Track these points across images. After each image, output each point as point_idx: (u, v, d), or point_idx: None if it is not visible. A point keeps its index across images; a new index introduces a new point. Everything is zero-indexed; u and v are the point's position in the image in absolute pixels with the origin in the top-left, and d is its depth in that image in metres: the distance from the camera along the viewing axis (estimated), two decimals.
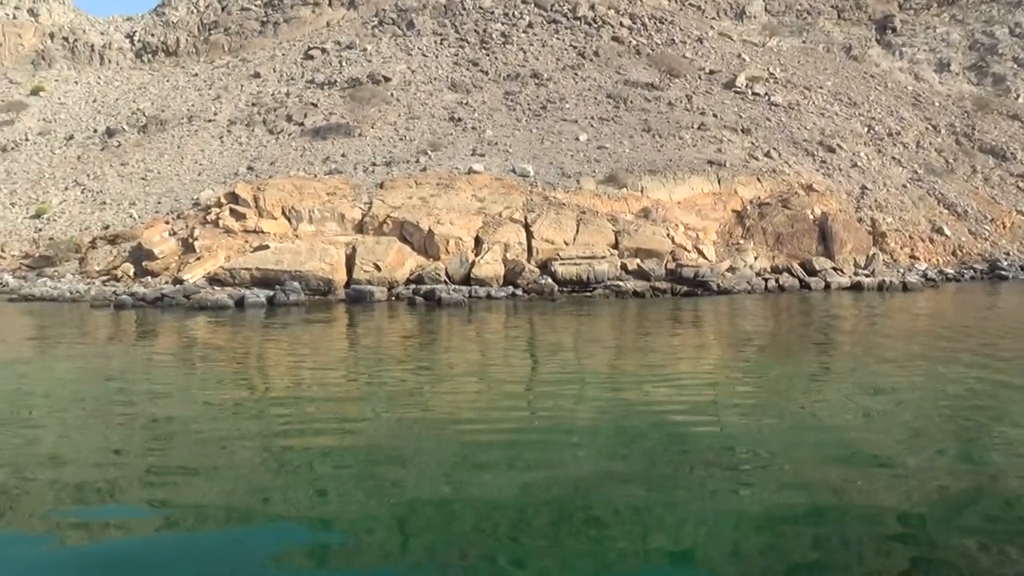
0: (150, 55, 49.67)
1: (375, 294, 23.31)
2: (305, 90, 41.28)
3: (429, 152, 32.46)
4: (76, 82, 47.39)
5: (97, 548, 5.96)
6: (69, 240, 30.36)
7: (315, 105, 39.17)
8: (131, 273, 26.04)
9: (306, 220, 26.57)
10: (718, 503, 6.49)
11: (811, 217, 29.13)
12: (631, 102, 37.70)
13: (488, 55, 42.81)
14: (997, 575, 5.34)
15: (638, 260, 26.11)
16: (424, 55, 43.38)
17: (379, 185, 28.67)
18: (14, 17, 50.07)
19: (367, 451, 8.04)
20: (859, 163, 36.96)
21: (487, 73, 41.00)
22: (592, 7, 46.65)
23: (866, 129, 40.71)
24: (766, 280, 26.63)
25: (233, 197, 27.29)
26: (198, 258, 25.16)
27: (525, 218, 26.75)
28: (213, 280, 24.29)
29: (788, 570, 5.40)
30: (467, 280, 24.74)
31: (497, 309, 22.10)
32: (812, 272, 27.24)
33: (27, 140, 41.07)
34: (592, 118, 36.06)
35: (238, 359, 14.72)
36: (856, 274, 27.72)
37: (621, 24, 46.04)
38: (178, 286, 23.66)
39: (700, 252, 26.99)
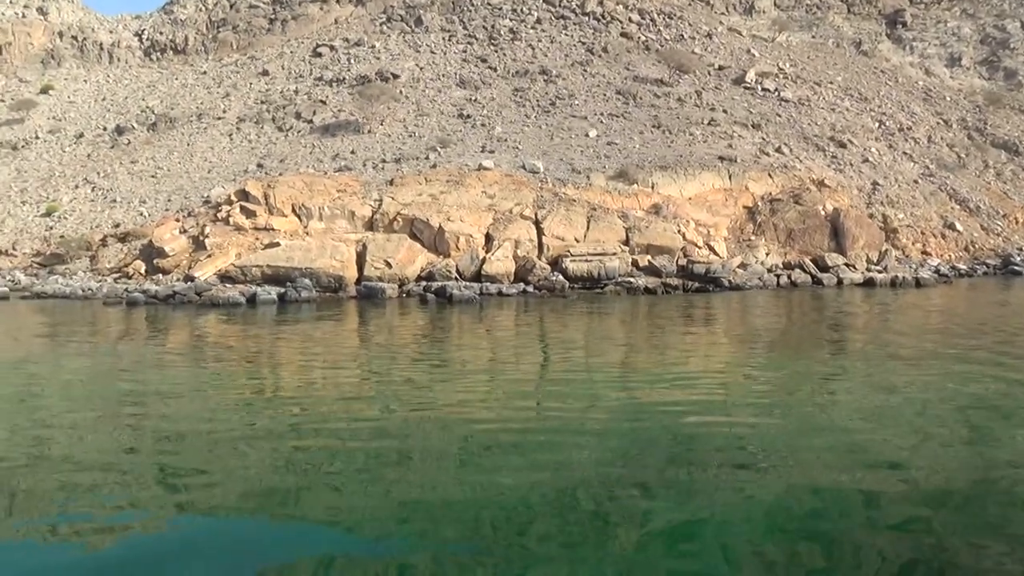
0: (159, 53, 49.73)
1: (386, 291, 23.29)
2: (314, 87, 41.28)
3: (438, 149, 32.42)
4: (85, 80, 47.50)
5: (108, 547, 5.95)
6: (80, 238, 30.45)
7: (324, 102, 39.17)
8: (142, 270, 26.11)
9: (316, 217, 26.57)
10: (727, 503, 6.42)
11: (823, 213, 28.97)
12: (640, 98, 37.57)
13: (497, 51, 42.72)
14: (1003, 574, 5.28)
15: (649, 257, 26.03)
16: (432, 52, 43.32)
17: (389, 182, 28.65)
18: (23, 16, 50.21)
19: (377, 450, 7.97)
20: (870, 158, 36.76)
21: (496, 70, 40.91)
22: (600, 3, 46.50)
23: (877, 124, 40.50)
24: (778, 276, 26.50)
25: (243, 194, 27.32)
26: (209, 255, 25.18)
27: (535, 215, 26.69)
28: (224, 277, 24.32)
29: (795, 571, 5.35)
30: (478, 277, 24.70)
31: (508, 306, 22.05)
32: (824, 268, 27.10)
33: (37, 138, 41.19)
34: (602, 114, 35.95)
35: (250, 357, 14.72)
36: (868, 270, 27.56)
37: (630, 20, 45.88)
38: (189, 283, 23.69)
39: (711, 248, 26.88)
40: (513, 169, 29.93)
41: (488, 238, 25.93)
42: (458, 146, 33.04)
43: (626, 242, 26.41)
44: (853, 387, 11.09)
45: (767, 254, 27.91)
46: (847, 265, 27.52)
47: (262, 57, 46.63)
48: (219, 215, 27.09)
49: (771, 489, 6.74)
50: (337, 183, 28.17)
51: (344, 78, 41.37)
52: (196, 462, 7.72)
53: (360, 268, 24.68)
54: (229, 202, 27.44)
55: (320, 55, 44.92)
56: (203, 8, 51.71)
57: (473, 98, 37.96)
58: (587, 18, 45.57)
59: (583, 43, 43.54)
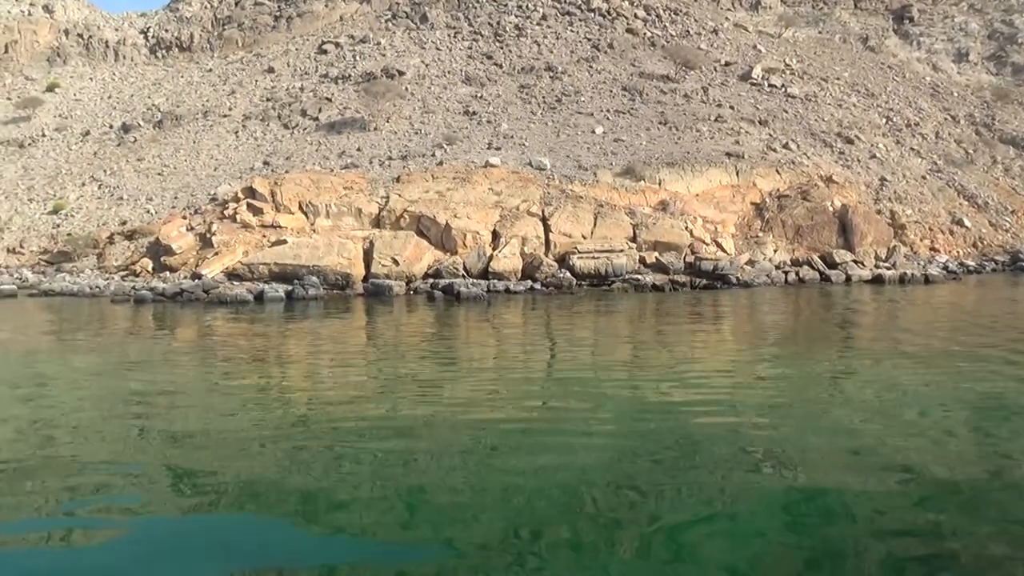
0: (164, 51, 49.73)
1: (393, 288, 23.28)
2: (319, 85, 41.25)
3: (445, 146, 32.37)
4: (91, 78, 47.53)
5: (111, 546, 5.95)
6: (87, 236, 30.49)
7: (329, 100, 39.14)
8: (149, 268, 26.13)
9: (323, 214, 26.55)
10: (735, 503, 6.37)
11: (831, 209, 28.86)
12: (647, 94, 37.46)
13: (502, 48, 42.63)
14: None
15: (656, 253, 25.97)
16: (438, 49, 43.25)
17: (395, 179, 28.62)
18: (29, 14, 50.26)
19: (384, 450, 7.90)
20: (878, 154, 36.61)
21: (501, 66, 40.83)
22: None
23: (884, 120, 40.32)
24: (786, 273, 26.41)
25: (250, 192, 27.31)
26: (216, 253, 25.19)
27: (542, 211, 26.64)
28: (231, 275, 24.32)
29: (802, 570, 5.31)
30: (485, 274, 24.67)
31: (515, 303, 22.02)
32: (832, 265, 27.00)
33: (44, 136, 41.24)
34: (608, 111, 35.86)
35: (258, 354, 14.71)
36: (877, 267, 27.44)
37: (635, 16, 45.73)
38: (197, 281, 23.71)
39: (719, 245, 26.79)
40: (520, 166, 29.88)
41: (495, 235, 25.89)
42: (464, 143, 32.99)
43: (633, 239, 26.35)
44: (862, 386, 10.97)
45: (775, 251, 27.81)
46: (855, 262, 27.41)
47: (267, 54, 46.60)
48: (226, 213, 27.09)
49: (779, 489, 6.69)
50: (344, 180, 28.15)
51: (350, 75, 41.33)
52: (202, 462, 7.66)
53: (367, 265, 24.67)
54: (236, 199, 27.44)
55: (325, 52, 44.88)
56: (208, 6, 51.69)
57: (479, 95, 37.90)
58: (592, 14, 45.43)
59: (589, 39, 43.43)
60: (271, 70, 44.20)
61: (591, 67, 40.43)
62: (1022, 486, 6.77)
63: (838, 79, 43.11)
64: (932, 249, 32.11)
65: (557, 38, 43.52)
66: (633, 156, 31.05)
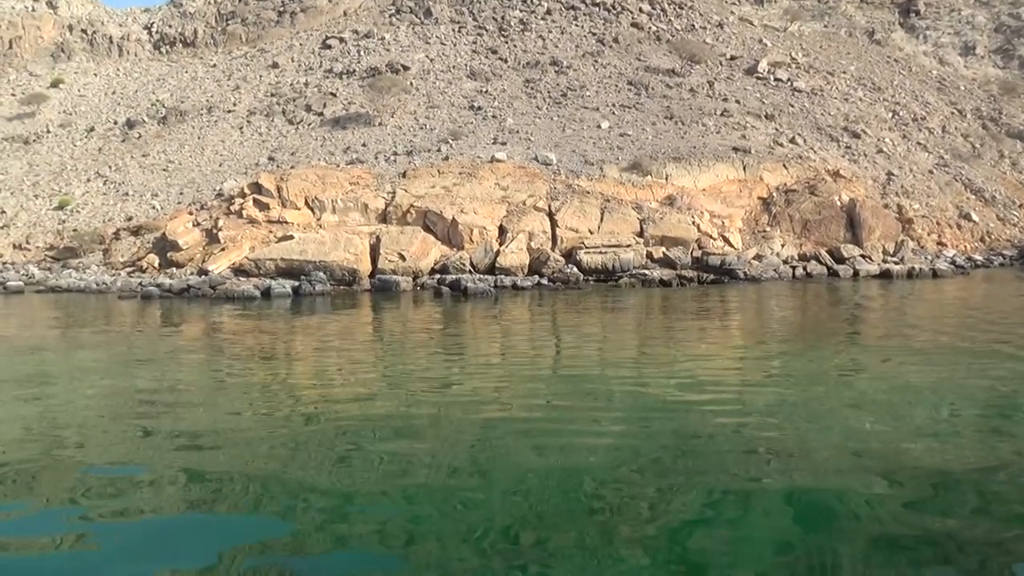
0: (168, 46, 49.67)
1: (400, 284, 23.24)
2: (324, 80, 41.18)
3: (450, 141, 32.30)
4: (95, 74, 47.49)
5: (120, 531, 5.99)
6: (93, 231, 30.48)
7: (334, 95, 39.07)
8: (156, 264, 26.11)
9: (329, 210, 26.50)
10: (737, 502, 6.31)
11: (838, 204, 28.75)
12: (652, 89, 37.33)
13: (507, 43, 42.51)
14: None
15: (663, 248, 25.90)
16: (442, 43, 43.14)
17: (402, 174, 28.56)
18: (33, 10, 50.21)
19: (390, 450, 7.80)
20: (884, 148, 36.46)
21: (506, 61, 40.72)
22: None
23: (891, 114, 40.15)
24: (793, 268, 26.33)
25: (256, 187, 27.27)
26: (223, 249, 25.16)
27: (549, 206, 26.57)
28: (238, 271, 24.29)
29: (806, 569, 5.27)
30: (492, 270, 24.62)
31: (522, 299, 21.97)
32: (840, 260, 26.90)
33: (48, 132, 41.23)
34: (613, 105, 35.75)
35: (266, 351, 14.69)
36: (885, 261, 27.34)
37: (640, 10, 45.56)
38: (203, 277, 23.68)
39: (726, 240, 26.71)
40: (526, 161, 29.80)
41: (502, 230, 25.83)
42: (469, 138, 32.91)
43: (640, 234, 26.28)
44: (870, 384, 10.77)
45: (782, 245, 27.72)
46: (863, 256, 27.30)
47: (271, 50, 46.52)
48: (232, 208, 27.06)
49: (785, 489, 6.59)
50: (350, 176, 28.09)
51: (354, 70, 41.24)
52: (209, 460, 7.57)
53: (374, 261, 24.62)
54: (242, 195, 27.40)
55: (329, 47, 44.79)
56: (212, 1, 51.61)
57: (484, 90, 37.80)
58: (597, 8, 45.27)
59: (594, 34, 43.29)
60: (275, 65, 44.13)
61: (596, 61, 40.30)
62: None
63: (844, 73, 42.94)
64: (939, 244, 32.00)
65: (562, 32, 43.38)
66: (639, 151, 30.96)
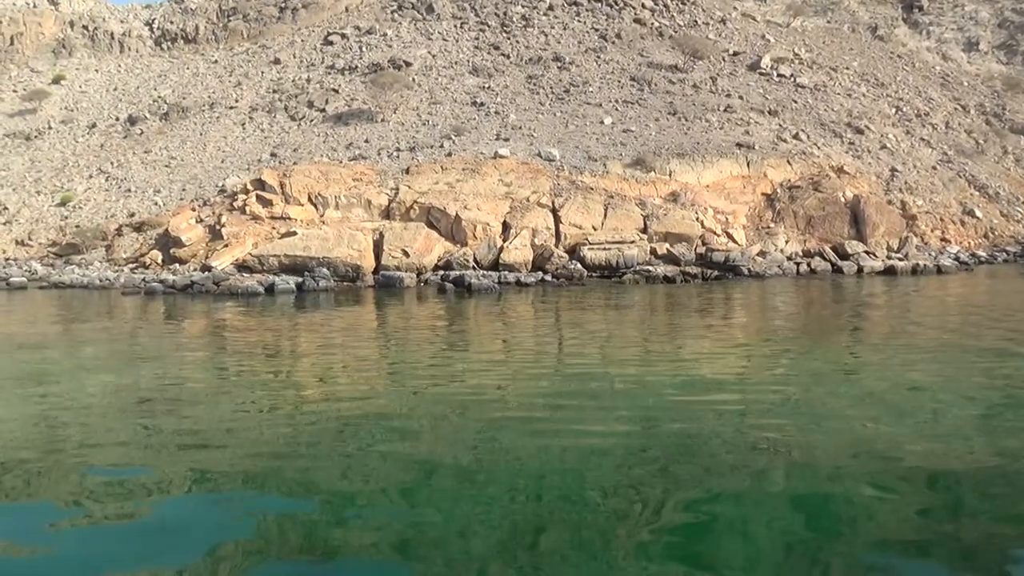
0: (169, 43, 49.56)
1: (404, 280, 23.19)
2: (326, 76, 41.08)
3: (453, 137, 32.23)
4: (97, 70, 47.41)
5: (120, 529, 6.01)
6: (95, 228, 30.44)
7: (336, 91, 38.98)
8: (159, 260, 26.07)
9: (332, 206, 26.46)
10: (737, 503, 6.28)
11: (843, 200, 28.68)
12: (655, 85, 37.24)
13: (509, 39, 42.39)
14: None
15: (667, 245, 25.84)
16: (444, 39, 43.02)
17: (405, 170, 28.50)
18: (34, 6, 50.10)
19: (393, 453, 7.71)
20: (888, 144, 36.39)
21: (509, 57, 40.60)
22: None
23: (894, 110, 40.08)
24: (797, 264, 26.28)
25: (259, 183, 27.23)
26: (226, 245, 25.13)
27: (552, 203, 26.52)
28: (241, 267, 24.26)
29: (809, 566, 5.26)
30: (495, 266, 24.57)
31: (526, 295, 21.93)
32: (844, 256, 26.84)
33: (50, 128, 41.17)
34: (616, 101, 35.65)
35: (269, 346, 14.66)
36: (889, 258, 27.28)
37: (643, 6, 45.42)
38: (207, 273, 23.65)
39: (730, 236, 26.66)
40: (529, 157, 29.73)
41: (505, 226, 25.78)
42: (472, 134, 32.82)
43: (644, 230, 26.22)
44: (875, 383, 10.55)
45: (786, 242, 27.65)
46: (867, 252, 27.24)
47: (273, 46, 46.41)
48: (235, 204, 27.01)
49: (787, 489, 6.55)
50: (353, 172, 28.03)
51: (356, 66, 41.14)
52: (209, 460, 7.53)
53: (377, 257, 24.58)
54: (245, 191, 27.36)
55: (331, 43, 44.68)
56: None
57: (486, 86, 37.70)
58: (600, 4, 45.13)
59: (596, 29, 43.16)
60: (277, 61, 44.03)
61: (599, 57, 40.20)
62: None
63: (847, 69, 42.84)
64: (943, 240, 31.94)
65: (564, 28, 43.26)
66: (643, 147, 30.89)
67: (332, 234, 24.76)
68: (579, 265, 24.71)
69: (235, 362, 13.00)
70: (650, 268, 24.63)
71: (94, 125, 41.13)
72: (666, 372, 11.56)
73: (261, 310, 19.60)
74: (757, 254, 26.44)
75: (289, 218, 25.93)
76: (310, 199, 26.61)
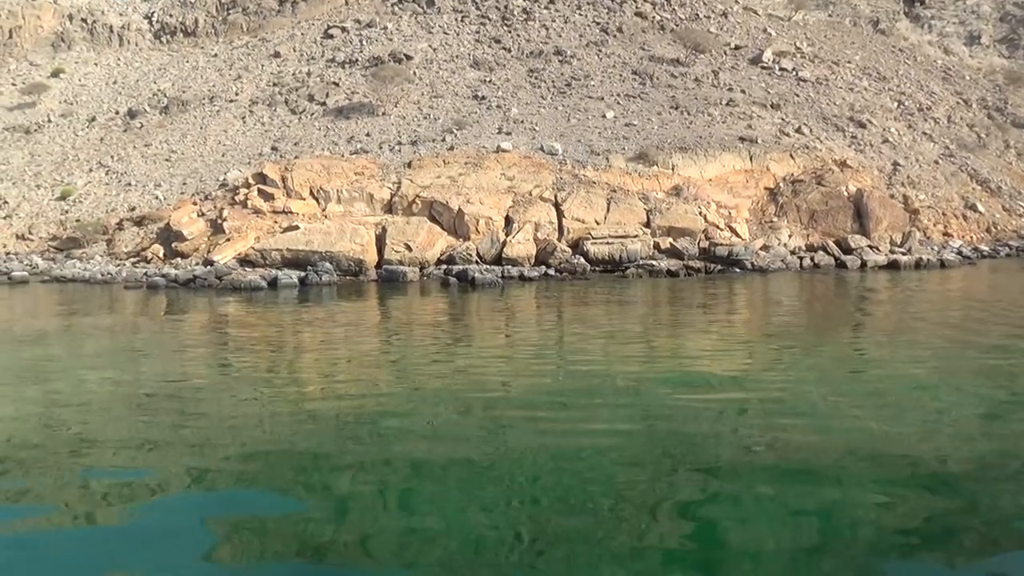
0: (169, 36, 49.32)
1: (407, 274, 23.13)
2: (326, 69, 40.91)
3: (455, 131, 32.12)
4: (96, 64, 47.18)
5: (122, 521, 6.01)
6: (96, 222, 30.34)
7: (337, 84, 38.84)
8: (161, 254, 25.98)
9: (334, 200, 26.36)
10: (735, 505, 6.25)
11: (846, 194, 28.62)
12: (657, 78, 37.12)
13: (510, 32, 42.22)
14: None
15: (670, 239, 25.79)
16: (445, 33, 42.85)
17: (407, 164, 28.40)
18: None
19: (395, 454, 7.60)
20: (890, 139, 36.31)
21: (510, 51, 40.45)
22: None
23: (896, 104, 39.97)
24: (801, 259, 26.23)
25: (261, 177, 27.13)
26: (228, 239, 25.04)
27: (555, 197, 26.44)
28: (244, 261, 24.18)
29: (810, 564, 5.25)
30: (498, 260, 24.51)
31: (529, 289, 21.88)
32: (847, 250, 26.79)
33: (49, 122, 40.97)
34: (618, 95, 35.55)
35: (271, 341, 14.61)
36: (892, 252, 27.23)
37: None
38: (209, 267, 23.57)
39: (733, 230, 26.59)
40: (531, 151, 29.64)
41: (508, 221, 25.70)
42: (474, 128, 32.72)
43: (647, 224, 26.16)
44: (878, 381, 10.41)
45: (790, 236, 27.60)
46: (871, 247, 27.18)
47: (273, 39, 46.20)
48: (237, 198, 26.91)
49: (789, 489, 6.49)
50: (355, 166, 27.94)
51: (357, 60, 40.98)
52: (211, 457, 7.49)
53: (380, 251, 24.52)
54: (247, 185, 27.25)
55: (332, 37, 44.49)
56: None
57: (488, 79, 37.57)
58: None
59: (597, 23, 43.00)
60: (277, 55, 43.84)
61: (600, 51, 40.05)
62: None
63: (849, 62, 42.71)
64: (945, 234, 31.88)
65: (565, 22, 43.09)
66: (645, 141, 30.80)
67: (334, 228, 24.68)
68: (582, 259, 24.65)
69: (238, 357, 12.96)
70: (653, 262, 24.58)
71: (93, 119, 40.94)
72: (668, 369, 11.51)
73: (264, 304, 19.55)
74: (760, 248, 26.40)
75: (291, 212, 25.84)
76: (312, 193, 26.52)
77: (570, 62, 38.75)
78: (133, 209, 31.15)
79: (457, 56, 40.26)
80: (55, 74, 45.50)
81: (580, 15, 43.72)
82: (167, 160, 35.34)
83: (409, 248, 24.40)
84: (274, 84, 40.46)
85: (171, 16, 49.98)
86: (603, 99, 35.12)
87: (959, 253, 28.67)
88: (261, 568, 5.33)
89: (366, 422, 8.53)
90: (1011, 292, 21.60)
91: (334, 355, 13.06)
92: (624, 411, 8.93)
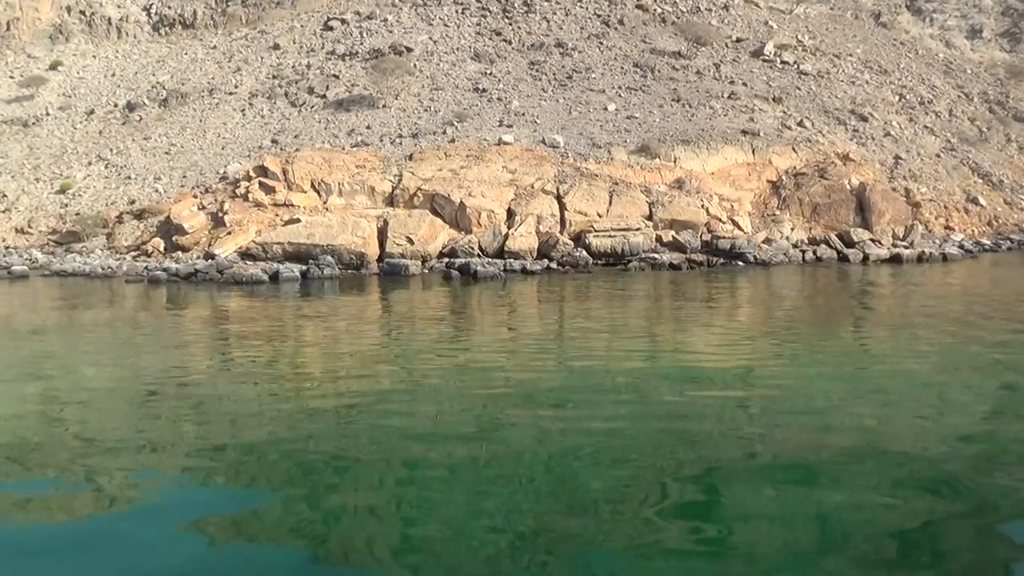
0: (167, 28, 49.05)
1: (409, 268, 23.05)
2: (326, 62, 40.71)
3: (456, 123, 31.99)
4: (94, 56, 46.91)
5: (120, 521, 5.98)
6: (96, 215, 30.19)
7: (337, 77, 38.64)
8: (161, 248, 25.87)
9: (336, 193, 26.25)
10: (732, 496, 6.24)
11: (848, 187, 28.56)
12: (658, 71, 36.99)
13: (511, 24, 42.03)
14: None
15: (673, 232, 25.73)
16: (445, 25, 42.64)
17: (408, 157, 28.29)
18: None
19: (396, 455, 7.47)
20: (892, 132, 36.25)
21: (510, 43, 40.27)
22: None
23: (897, 98, 39.89)
24: (803, 252, 26.19)
25: (262, 170, 27.01)
26: (228, 232, 24.93)
27: (557, 190, 26.36)
28: (245, 255, 24.10)
29: (809, 562, 5.24)
30: (501, 253, 24.44)
31: (532, 282, 21.82)
32: (850, 243, 26.75)
33: (48, 115, 40.77)
34: (620, 87, 35.42)
35: (273, 334, 14.54)
36: (895, 245, 27.19)
37: None
38: (210, 261, 23.48)
39: (735, 223, 26.53)
40: (532, 144, 29.54)
41: (510, 213, 25.61)
42: (475, 120, 32.59)
43: (649, 217, 26.09)
44: (880, 379, 10.25)
45: (792, 229, 27.55)
46: (873, 240, 27.15)
47: (272, 31, 45.95)
48: (237, 191, 26.79)
49: (789, 489, 6.47)
50: (356, 158, 27.82)
51: (357, 52, 40.78)
52: (211, 455, 7.45)
53: (381, 245, 24.43)
54: (248, 178, 27.13)
55: (331, 29, 44.26)
56: None
57: (488, 72, 37.42)
58: None
59: (598, 15, 42.82)
60: (276, 47, 43.61)
61: (601, 43, 39.90)
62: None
63: (851, 56, 42.59)
64: (947, 228, 31.85)
65: (566, 14, 42.89)
66: (647, 134, 30.70)
67: (336, 221, 24.59)
68: (584, 252, 24.59)
69: (239, 352, 12.88)
70: (656, 255, 24.53)
71: (92, 111, 40.74)
72: (670, 365, 11.46)
73: (266, 298, 19.47)
74: (763, 242, 26.35)
75: (292, 205, 25.74)
76: (313, 186, 26.41)
77: (571, 54, 38.60)
78: (133, 202, 31.00)
79: (458, 48, 40.08)
80: (53, 67, 45.25)
81: (581, 7, 43.52)
82: (167, 153, 35.18)
83: (411, 241, 24.32)
84: (274, 76, 40.26)
85: (169, 8, 49.69)
86: (604, 92, 35.00)
87: (961, 247, 28.65)
88: (259, 566, 5.27)
89: (366, 420, 8.47)
90: (1013, 286, 21.56)
91: (336, 350, 13.00)
92: (625, 408, 8.88)
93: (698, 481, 6.64)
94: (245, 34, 46.55)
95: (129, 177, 33.64)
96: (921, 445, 7.49)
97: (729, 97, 34.92)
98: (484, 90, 35.65)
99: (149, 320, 16.69)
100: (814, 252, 26.23)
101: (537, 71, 37.27)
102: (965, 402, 9.17)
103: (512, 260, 23.89)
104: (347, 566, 5.31)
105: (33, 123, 40.09)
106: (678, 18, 43.05)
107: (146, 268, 23.74)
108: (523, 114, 32.95)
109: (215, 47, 45.86)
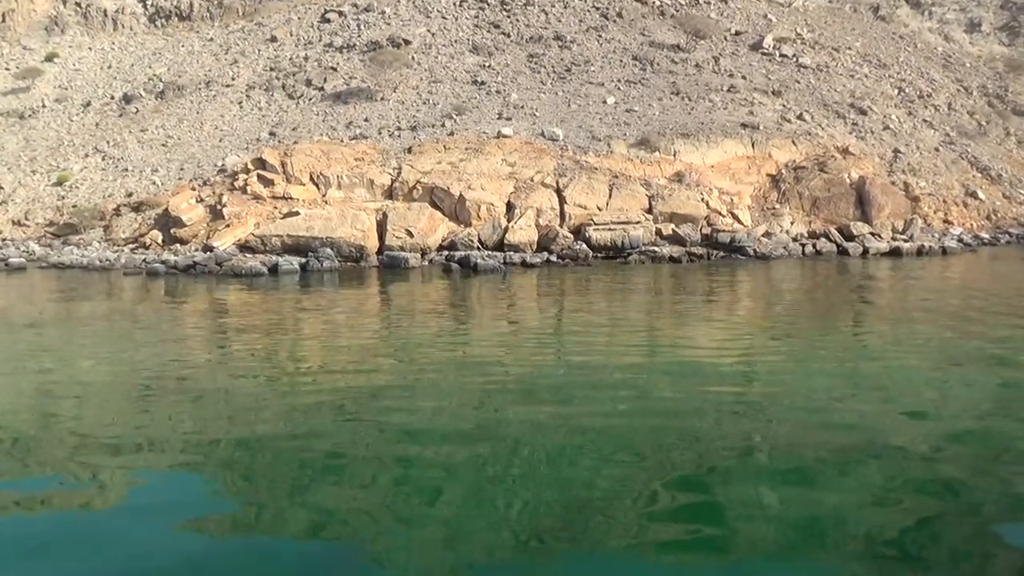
0: (164, 20, 48.75)
1: (409, 260, 22.99)
2: (324, 54, 40.52)
3: (454, 116, 31.88)
4: (90, 48, 46.65)
5: (116, 517, 5.95)
6: (93, 208, 30.06)
7: (335, 69, 38.47)
8: (159, 240, 25.76)
9: (335, 186, 26.15)
10: (731, 494, 6.20)
11: (848, 181, 28.52)
12: (658, 64, 36.88)
13: (509, 17, 41.84)
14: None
15: (673, 225, 25.68)
16: (444, 17, 42.44)
17: (407, 150, 28.18)
18: None
19: (389, 455, 7.43)
20: (891, 126, 36.18)
21: (509, 35, 40.10)
22: None
23: (896, 91, 39.81)
24: (803, 246, 26.16)
25: (260, 163, 26.89)
26: (227, 225, 24.84)
27: (557, 183, 26.28)
28: (243, 247, 24.00)
29: (807, 560, 5.22)
30: (500, 246, 24.38)
31: (532, 276, 21.78)
32: (849, 237, 26.72)
33: (44, 107, 40.55)
34: (619, 81, 35.32)
35: (273, 327, 14.49)
36: (894, 239, 27.18)
37: None
38: (209, 253, 23.39)
39: (735, 217, 26.48)
40: (532, 136, 29.45)
41: (509, 207, 25.54)
42: (474, 113, 32.48)
43: (649, 210, 26.04)
44: (880, 376, 10.17)
45: (792, 223, 27.51)
46: (872, 234, 27.12)
47: (269, 23, 45.71)
48: (236, 184, 26.68)
49: (789, 489, 6.43)
50: (355, 151, 27.71)
51: (354, 44, 40.58)
52: (211, 453, 7.39)
53: (381, 237, 24.36)
54: (246, 170, 27.02)
55: (329, 21, 44.04)
56: None
57: (487, 64, 37.28)
58: None
59: (597, 8, 42.64)
60: (273, 39, 43.38)
61: (600, 36, 39.75)
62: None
63: (849, 49, 42.49)
64: (946, 222, 31.82)
65: (565, 7, 42.70)
66: (647, 127, 30.62)
67: (335, 214, 24.51)
68: (584, 245, 24.53)
69: (238, 345, 12.83)
70: (655, 249, 24.49)
71: (88, 104, 40.52)
72: (669, 359, 11.43)
73: (265, 291, 19.40)
74: (763, 235, 26.32)
75: (291, 198, 25.63)
76: (312, 178, 26.30)
77: (570, 47, 38.46)
78: (130, 195, 30.87)
79: (456, 41, 39.92)
80: (49, 58, 44.98)
81: (579, 0, 43.35)
82: (164, 145, 35.02)
83: (410, 234, 24.25)
84: (271, 69, 40.06)
85: (166, 0, 49.41)
86: (603, 85, 34.89)
87: (960, 240, 28.65)
88: (258, 564, 5.23)
89: (365, 416, 8.44)
90: (1012, 280, 21.58)
91: (335, 343, 12.96)
92: (625, 404, 8.85)
93: (697, 478, 6.63)
94: (242, 26, 46.29)
95: (126, 169, 33.49)
96: (921, 442, 7.48)
97: (728, 90, 34.84)
98: (483, 83, 35.52)
99: (147, 313, 16.62)
100: (814, 246, 26.21)
101: (536, 64, 37.14)
102: (965, 398, 9.15)
103: (512, 253, 23.83)
104: (345, 563, 5.27)
105: (29, 115, 39.87)
106: (677, 11, 42.90)
107: (144, 260, 23.65)
108: (522, 107, 32.84)
109: (212, 39, 45.61)
